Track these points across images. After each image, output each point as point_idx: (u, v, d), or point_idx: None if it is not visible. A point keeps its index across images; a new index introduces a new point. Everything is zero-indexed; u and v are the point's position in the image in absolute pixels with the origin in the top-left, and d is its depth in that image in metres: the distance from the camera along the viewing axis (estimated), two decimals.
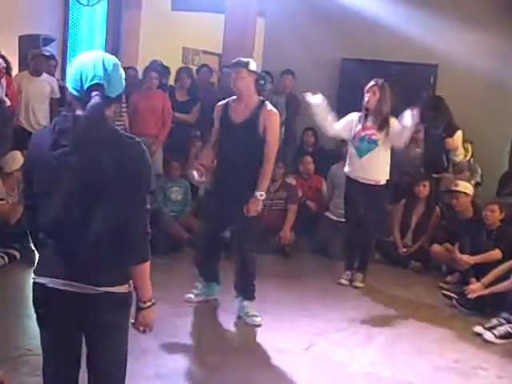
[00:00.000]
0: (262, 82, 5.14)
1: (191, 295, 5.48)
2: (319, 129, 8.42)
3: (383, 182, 6.23)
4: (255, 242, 5.25)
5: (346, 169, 6.35)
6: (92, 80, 2.39)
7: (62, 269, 2.41)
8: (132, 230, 2.40)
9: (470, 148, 8.08)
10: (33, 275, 2.50)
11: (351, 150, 6.23)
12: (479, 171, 8.06)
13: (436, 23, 8.33)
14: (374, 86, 6.11)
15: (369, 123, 6.12)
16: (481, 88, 8.44)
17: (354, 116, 6.24)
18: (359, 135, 6.14)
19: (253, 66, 5.06)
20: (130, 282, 2.51)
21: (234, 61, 5.17)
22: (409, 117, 5.89)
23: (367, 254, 6.58)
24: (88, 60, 2.44)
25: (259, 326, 5.05)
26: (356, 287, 6.32)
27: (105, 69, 2.40)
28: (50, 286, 2.44)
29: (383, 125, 6.07)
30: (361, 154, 6.13)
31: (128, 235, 2.40)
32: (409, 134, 6.07)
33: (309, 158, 8.00)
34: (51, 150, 2.37)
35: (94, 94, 2.37)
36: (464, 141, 8.05)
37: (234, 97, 5.15)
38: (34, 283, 2.50)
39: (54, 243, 2.44)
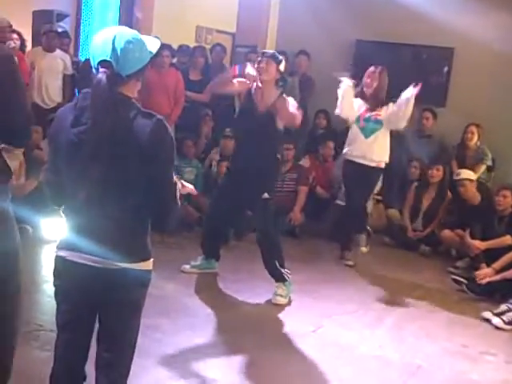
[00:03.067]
0: (281, 83, 5.16)
1: (187, 266, 5.66)
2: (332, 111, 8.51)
3: (383, 165, 6.29)
4: (275, 225, 5.33)
5: (346, 150, 6.37)
6: (99, 57, 2.39)
7: (83, 243, 2.43)
8: (158, 205, 2.45)
9: (475, 131, 8.00)
10: (55, 249, 2.54)
11: (355, 131, 6.27)
12: (489, 154, 7.97)
13: (452, 5, 8.24)
14: (373, 72, 6.24)
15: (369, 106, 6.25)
16: (498, 71, 8.34)
17: (358, 101, 6.33)
18: (364, 116, 6.23)
19: (282, 66, 5.12)
20: (151, 259, 2.54)
21: (270, 51, 5.29)
22: (408, 91, 5.97)
23: (361, 221, 6.60)
24: (101, 37, 2.43)
25: (279, 305, 5.12)
26: (361, 252, 6.46)
27: (114, 46, 2.37)
28: (69, 259, 2.47)
29: (379, 105, 6.19)
30: (366, 134, 6.21)
31: (154, 210, 2.46)
32: (407, 111, 6.05)
33: (331, 144, 7.95)
34: (72, 127, 2.39)
35: (100, 70, 2.38)
36: (470, 124, 8.00)
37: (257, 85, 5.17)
38: (56, 256, 2.54)
39: (74, 218, 2.47)
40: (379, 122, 6.18)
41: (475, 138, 8.00)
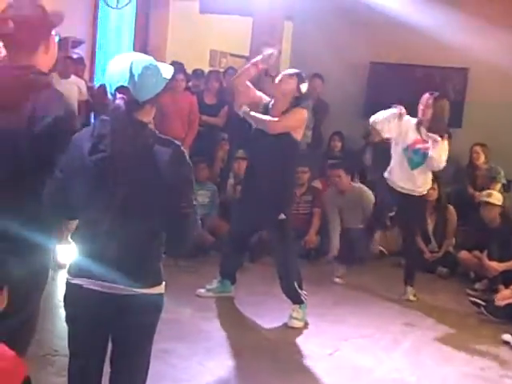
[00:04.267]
0: (298, 102, 5.12)
1: (202, 290, 5.63)
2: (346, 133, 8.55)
3: (425, 191, 6.22)
4: (292, 246, 5.30)
5: (387, 175, 6.18)
6: (117, 83, 2.40)
7: (95, 269, 2.42)
8: (178, 231, 2.45)
9: (480, 150, 7.98)
10: (67, 275, 2.53)
11: (402, 159, 6.04)
12: (502, 172, 7.93)
13: (467, 26, 8.22)
14: (428, 99, 5.94)
15: (423, 136, 5.94)
16: None
17: (411, 121, 6.02)
18: (413, 147, 5.97)
19: (305, 87, 5.09)
20: (164, 283, 2.54)
21: (293, 70, 5.26)
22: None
23: (413, 264, 6.41)
24: (117, 63, 2.45)
25: (295, 328, 5.09)
26: (409, 300, 6.14)
27: (131, 72, 2.39)
28: (85, 286, 2.45)
29: (436, 144, 5.90)
30: (412, 165, 6.00)
31: (173, 235, 2.47)
32: (440, 159, 5.94)
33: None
34: (89, 154, 2.37)
35: (118, 96, 2.39)
36: (474, 144, 7.97)
37: (272, 101, 5.18)
38: (68, 283, 2.52)
39: (87, 244, 2.47)
40: (427, 156, 5.93)
41: (482, 157, 8.00)
